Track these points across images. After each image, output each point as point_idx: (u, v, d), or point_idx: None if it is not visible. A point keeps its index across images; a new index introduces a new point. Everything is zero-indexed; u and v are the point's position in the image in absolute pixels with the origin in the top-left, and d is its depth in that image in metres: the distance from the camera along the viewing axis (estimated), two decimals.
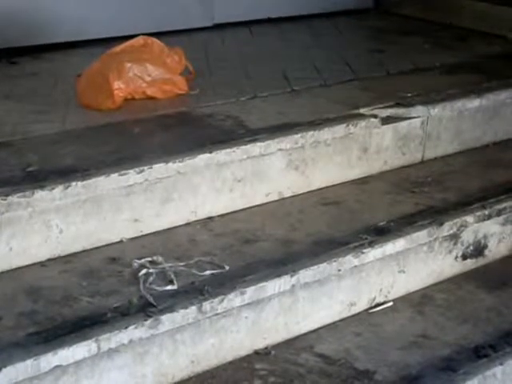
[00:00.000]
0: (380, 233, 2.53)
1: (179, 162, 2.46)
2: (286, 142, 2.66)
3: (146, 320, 2.06)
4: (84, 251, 2.35)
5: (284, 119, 2.78)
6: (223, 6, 3.82)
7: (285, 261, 2.35)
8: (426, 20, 4.08)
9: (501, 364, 2.31)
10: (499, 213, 2.77)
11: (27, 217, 2.24)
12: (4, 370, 1.86)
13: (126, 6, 3.50)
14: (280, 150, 2.66)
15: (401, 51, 3.67)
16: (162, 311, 2.09)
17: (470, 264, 2.76)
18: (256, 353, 2.29)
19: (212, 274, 2.26)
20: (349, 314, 2.49)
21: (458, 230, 2.67)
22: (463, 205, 2.73)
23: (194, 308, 2.13)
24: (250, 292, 2.22)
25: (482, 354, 2.33)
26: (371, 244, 2.46)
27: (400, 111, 2.94)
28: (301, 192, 2.76)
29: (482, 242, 2.77)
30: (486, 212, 2.73)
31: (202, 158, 2.50)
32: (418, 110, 2.98)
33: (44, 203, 2.25)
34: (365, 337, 2.40)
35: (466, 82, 3.26)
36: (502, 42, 3.80)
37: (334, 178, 2.83)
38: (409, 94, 3.06)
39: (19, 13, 3.27)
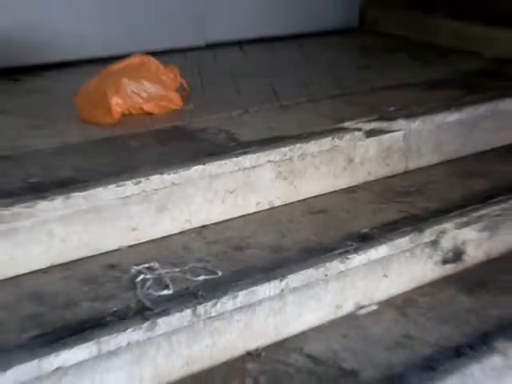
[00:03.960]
0: (364, 239, 2.54)
1: (174, 173, 2.47)
2: (275, 154, 2.68)
3: (143, 323, 2.07)
4: (84, 258, 2.36)
5: (273, 133, 2.80)
6: (215, 27, 3.84)
7: (274, 266, 2.36)
8: (408, 38, 4.10)
9: (478, 363, 2.32)
10: (477, 220, 2.79)
11: (30, 226, 2.26)
12: (10, 370, 1.88)
13: (122, 26, 3.51)
14: (269, 161, 2.68)
15: (384, 68, 3.69)
16: (159, 314, 2.10)
17: (450, 268, 2.77)
18: (248, 354, 2.30)
19: (205, 279, 2.28)
20: (336, 317, 2.50)
21: (437, 236, 2.69)
22: (443, 213, 2.75)
23: (188, 311, 2.14)
24: (242, 296, 2.24)
25: (461, 353, 2.35)
26: (356, 250, 2.48)
27: (383, 125, 2.96)
28: (290, 201, 2.77)
29: (461, 247, 2.78)
30: (465, 219, 2.75)
31: (196, 170, 2.52)
32: (400, 124, 3.00)
33: (46, 213, 2.27)
34: (351, 338, 2.41)
35: (446, 96, 3.28)
36: (478, 59, 3.81)
37: (321, 188, 2.85)
38: (392, 108, 3.07)
39: (20, 33, 3.28)
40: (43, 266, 2.30)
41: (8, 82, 3.23)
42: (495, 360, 2.36)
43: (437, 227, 2.68)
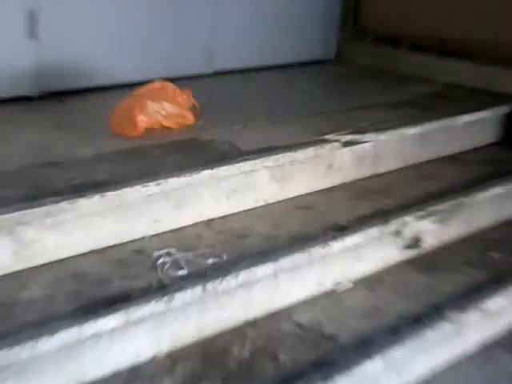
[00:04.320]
0: (342, 229, 2.54)
1: (188, 176, 2.47)
2: (269, 161, 2.68)
3: (163, 297, 2.08)
4: (116, 245, 2.36)
5: (268, 143, 2.79)
6: (221, 58, 3.84)
7: (269, 251, 2.36)
8: (376, 68, 4.08)
9: (432, 328, 2.33)
10: (432, 214, 2.78)
11: (72, 219, 2.26)
12: (56, 334, 1.89)
13: (146, 58, 3.52)
14: (265, 167, 2.68)
15: (356, 91, 3.68)
16: (175, 290, 2.11)
17: (410, 253, 2.76)
18: (247, 322, 2.30)
19: (213, 261, 2.28)
20: (318, 292, 2.49)
21: (400, 227, 2.69)
22: (405, 208, 2.75)
23: (199, 288, 2.15)
24: (243, 275, 2.24)
25: (418, 321, 2.35)
26: (335, 238, 2.48)
27: (356, 137, 2.95)
28: (281, 199, 2.76)
29: (419, 236, 2.77)
30: (422, 213, 2.74)
31: (206, 174, 2.52)
32: (370, 136, 2.99)
33: (85, 208, 2.27)
34: (330, 309, 2.41)
35: (406, 114, 3.27)
36: (431, 85, 3.80)
37: (307, 188, 2.84)
38: (363, 124, 3.06)
39: (67, 63, 3.28)
40: (83, 251, 2.30)
41: (55, 102, 3.22)
42: (445, 326, 2.36)
43: (400, 219, 2.67)
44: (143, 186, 2.37)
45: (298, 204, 2.74)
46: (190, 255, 2.30)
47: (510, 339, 2.58)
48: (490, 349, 2.51)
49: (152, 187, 2.39)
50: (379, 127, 3.06)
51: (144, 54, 3.52)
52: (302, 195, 2.81)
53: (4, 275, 2.15)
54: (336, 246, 2.47)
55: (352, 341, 2.24)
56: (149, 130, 2.85)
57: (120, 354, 2.06)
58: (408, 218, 2.70)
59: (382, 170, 3.09)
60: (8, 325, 1.92)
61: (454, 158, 3.32)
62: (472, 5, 3.76)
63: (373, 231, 2.59)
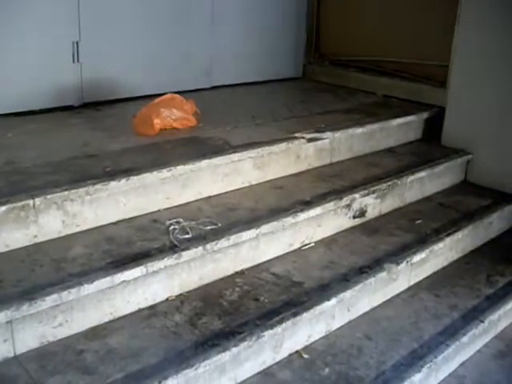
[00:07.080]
0: (307, 204, 2.54)
1: (191, 164, 2.46)
2: (253, 153, 2.66)
3: (173, 254, 2.08)
4: (138, 216, 2.35)
5: (252, 140, 2.78)
6: (217, 76, 3.82)
7: (252, 220, 2.36)
8: (332, 84, 4.08)
9: (373, 277, 2.34)
10: (373, 192, 2.78)
11: (106, 196, 2.25)
12: (94, 282, 1.90)
13: (161, 76, 3.50)
14: (249, 157, 2.66)
15: (318, 101, 3.66)
16: (183, 249, 2.11)
17: (358, 221, 2.77)
18: (236, 273, 2.31)
19: (211, 228, 2.28)
20: (289, 251, 2.50)
21: (350, 202, 2.69)
22: (353, 187, 2.74)
23: (200, 247, 2.15)
24: (233, 238, 2.24)
25: (363, 271, 2.36)
26: (302, 210, 2.47)
27: (317, 135, 2.94)
28: (261, 181, 2.75)
29: (364, 208, 2.78)
30: (366, 191, 2.74)
31: (205, 162, 2.50)
32: (327, 134, 2.98)
33: (115, 189, 2.26)
34: (298, 263, 2.41)
35: (355, 118, 3.26)
36: (373, 96, 3.80)
37: (280, 173, 2.82)
38: (322, 125, 3.05)
39: (101, 81, 3.26)
40: (113, 220, 2.29)
41: (93, 110, 3.20)
42: (383, 275, 2.38)
43: (349, 196, 2.67)
44: (158, 172, 2.36)
45: (274, 185, 2.73)
46: (193, 223, 2.29)
47: (430, 283, 2.61)
48: (415, 291, 2.54)
49: (164, 172, 2.38)
50: (334, 128, 3.04)
51: (159, 73, 3.51)
52: (276, 178, 2.80)
53: (55, 239, 2.14)
54: (302, 216, 2.47)
55: (314, 286, 2.25)
56: (162, 130, 2.83)
57: (142, 296, 2.06)
58: (356, 195, 2.70)
59: (336, 159, 3.08)
60: (59, 275, 1.92)
61: (389, 151, 3.31)
62: (401, 38, 3.76)
63: (329, 205, 2.58)
